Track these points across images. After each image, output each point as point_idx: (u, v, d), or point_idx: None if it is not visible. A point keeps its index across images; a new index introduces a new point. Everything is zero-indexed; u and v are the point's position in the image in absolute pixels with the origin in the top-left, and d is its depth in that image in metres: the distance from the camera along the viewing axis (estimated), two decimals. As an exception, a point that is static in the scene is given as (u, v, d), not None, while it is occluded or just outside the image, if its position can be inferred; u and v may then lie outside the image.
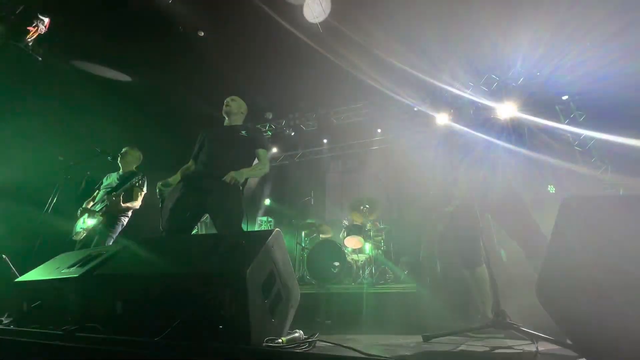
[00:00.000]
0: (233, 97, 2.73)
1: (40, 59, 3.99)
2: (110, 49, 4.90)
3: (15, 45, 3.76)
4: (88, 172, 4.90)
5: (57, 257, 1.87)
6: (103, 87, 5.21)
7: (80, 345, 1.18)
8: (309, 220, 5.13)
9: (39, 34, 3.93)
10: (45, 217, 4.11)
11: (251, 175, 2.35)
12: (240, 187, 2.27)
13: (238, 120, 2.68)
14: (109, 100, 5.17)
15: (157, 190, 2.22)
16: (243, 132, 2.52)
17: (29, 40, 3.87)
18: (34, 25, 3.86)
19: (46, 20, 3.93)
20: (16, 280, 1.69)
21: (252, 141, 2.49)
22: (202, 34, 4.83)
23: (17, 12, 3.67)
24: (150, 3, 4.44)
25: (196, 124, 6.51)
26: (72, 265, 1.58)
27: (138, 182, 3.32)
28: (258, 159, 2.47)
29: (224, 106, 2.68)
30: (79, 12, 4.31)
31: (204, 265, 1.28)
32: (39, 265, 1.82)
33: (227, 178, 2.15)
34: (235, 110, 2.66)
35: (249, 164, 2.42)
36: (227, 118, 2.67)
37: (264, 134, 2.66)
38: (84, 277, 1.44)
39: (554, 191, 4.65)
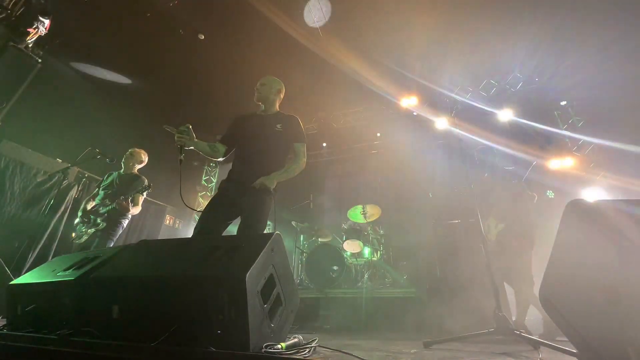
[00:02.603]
0: (263, 80, 2.45)
1: (39, 60, 3.98)
2: (110, 52, 4.91)
3: (16, 47, 3.75)
4: (86, 174, 4.89)
5: (54, 259, 1.84)
6: (103, 90, 5.21)
7: (75, 350, 1.16)
8: (307, 224, 5.11)
9: (39, 36, 3.93)
10: (42, 219, 4.08)
11: (284, 178, 2.16)
12: (272, 193, 2.12)
13: (273, 107, 2.44)
14: (109, 103, 5.17)
15: (176, 139, 2.06)
16: (278, 126, 2.31)
17: (29, 41, 3.86)
18: (34, 27, 3.86)
19: (46, 22, 3.94)
20: (11, 283, 1.66)
21: (287, 135, 2.30)
22: (203, 37, 4.84)
23: (17, 13, 3.67)
24: (152, 6, 4.45)
25: (196, 126, 6.51)
26: (69, 268, 1.56)
27: (144, 190, 3.28)
28: (294, 154, 2.28)
29: (256, 93, 2.42)
30: (79, 14, 4.31)
31: (202, 269, 1.26)
32: (35, 267, 1.80)
33: (257, 184, 2.05)
34: (266, 94, 2.40)
35: (283, 161, 2.26)
36: (261, 105, 2.43)
37: (300, 125, 2.45)
38: (80, 280, 1.42)
39: (552, 196, 4.66)
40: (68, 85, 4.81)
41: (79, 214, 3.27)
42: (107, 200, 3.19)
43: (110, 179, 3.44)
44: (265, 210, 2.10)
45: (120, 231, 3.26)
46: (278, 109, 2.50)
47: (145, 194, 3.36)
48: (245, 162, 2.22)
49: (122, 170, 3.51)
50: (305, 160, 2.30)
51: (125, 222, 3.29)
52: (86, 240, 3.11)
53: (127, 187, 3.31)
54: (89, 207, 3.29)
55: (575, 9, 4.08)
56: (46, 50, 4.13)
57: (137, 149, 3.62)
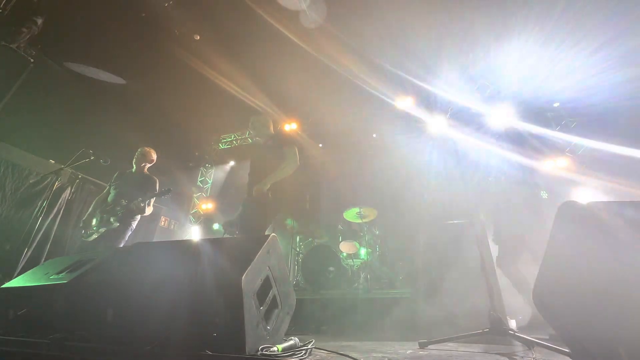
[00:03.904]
0: (253, 118, 2.81)
1: (32, 60, 3.93)
2: (105, 52, 4.87)
3: (8, 46, 3.70)
4: (80, 175, 4.84)
5: (46, 262, 1.82)
6: (97, 90, 5.16)
7: (68, 354, 1.15)
8: (304, 225, 5.11)
9: (32, 35, 3.89)
10: (35, 221, 4.02)
11: (276, 178, 2.37)
12: (267, 196, 2.32)
13: (268, 134, 2.76)
14: (103, 103, 5.12)
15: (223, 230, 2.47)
16: (269, 142, 2.65)
17: (22, 41, 3.82)
18: (26, 26, 3.82)
19: (39, 21, 3.90)
20: (2, 286, 1.64)
21: (276, 145, 2.58)
22: (198, 37, 4.82)
23: (9, 12, 3.62)
24: (146, 6, 4.42)
25: (190, 127, 6.48)
26: (62, 271, 1.54)
27: (164, 194, 3.22)
28: (284, 158, 2.51)
29: (252, 132, 2.80)
30: (73, 14, 4.27)
31: (198, 272, 1.26)
32: (27, 270, 1.77)
33: (254, 193, 2.28)
34: (258, 130, 2.76)
35: (277, 168, 2.48)
36: (260, 139, 2.79)
37: (287, 134, 2.83)
38: (73, 283, 1.40)
39: (546, 197, 4.71)
40: (61, 85, 4.76)
41: (91, 211, 3.19)
42: (123, 200, 3.12)
43: (122, 178, 3.39)
44: (260, 214, 2.30)
45: (130, 232, 3.22)
46: (273, 132, 2.82)
47: (164, 197, 3.34)
48: (248, 180, 2.55)
49: (134, 169, 3.46)
50: (295, 160, 2.53)
51: (135, 224, 3.27)
52: (95, 239, 3.04)
53: (140, 187, 3.26)
54: (101, 205, 3.21)
55: (569, 11, 4.14)
56: (39, 49, 4.09)
57: (147, 148, 3.57)
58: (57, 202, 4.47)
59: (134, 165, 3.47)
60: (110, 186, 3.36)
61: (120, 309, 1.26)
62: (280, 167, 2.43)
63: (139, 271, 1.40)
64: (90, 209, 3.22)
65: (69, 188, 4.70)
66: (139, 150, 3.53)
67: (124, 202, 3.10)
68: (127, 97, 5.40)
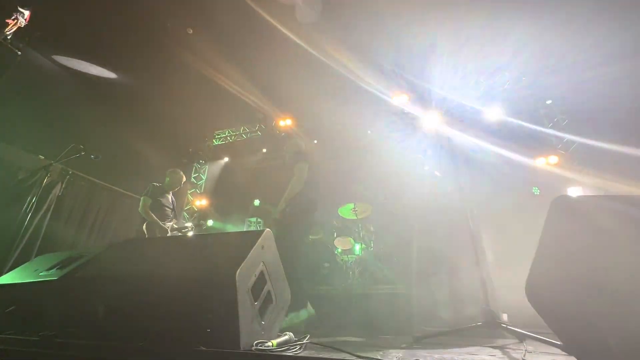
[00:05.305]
0: (285, 146, 3.02)
1: (19, 53, 3.83)
2: (95, 45, 4.76)
3: (-7, 39, 3.60)
4: (70, 171, 4.75)
5: (36, 258, 1.79)
6: (86, 84, 5.05)
7: (59, 351, 1.13)
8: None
9: (19, 27, 3.78)
10: (24, 218, 3.95)
11: (288, 197, 2.51)
12: (282, 215, 2.48)
13: (292, 157, 2.89)
14: (93, 97, 5.02)
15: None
16: (290, 162, 2.81)
17: (8, 33, 3.71)
18: (13, 18, 3.71)
19: (27, 13, 3.79)
20: (-10, 283, 1.60)
21: (289, 164, 2.76)
22: (191, 31, 4.74)
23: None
24: (137, -1, 4.33)
25: (183, 122, 6.39)
26: (51, 268, 1.52)
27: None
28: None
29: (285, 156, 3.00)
30: (61, 5, 4.16)
31: (192, 267, 1.25)
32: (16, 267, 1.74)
33: (277, 216, 2.48)
34: (290, 152, 2.93)
35: None
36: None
37: (299, 151, 2.87)
38: (64, 279, 1.38)
39: (538, 193, 4.77)
40: (50, 79, 4.65)
41: (156, 221, 3.37)
42: (169, 216, 3.57)
43: (162, 194, 3.61)
44: (282, 235, 2.37)
45: None
46: (299, 151, 2.97)
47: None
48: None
49: (167, 188, 3.68)
50: (300, 177, 2.63)
51: None
52: None
53: (177, 209, 3.72)
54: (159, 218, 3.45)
55: (562, 8, 4.16)
56: (26, 42, 3.98)
57: (179, 169, 3.84)
58: (47, 198, 4.39)
59: (171, 186, 3.70)
60: (153, 197, 3.53)
61: (112, 305, 1.24)
62: (289, 188, 2.57)
63: (131, 267, 1.38)
64: (154, 218, 3.41)
65: (60, 184, 4.62)
66: (180, 173, 3.78)
67: (170, 219, 3.59)
68: (118, 92, 5.30)
